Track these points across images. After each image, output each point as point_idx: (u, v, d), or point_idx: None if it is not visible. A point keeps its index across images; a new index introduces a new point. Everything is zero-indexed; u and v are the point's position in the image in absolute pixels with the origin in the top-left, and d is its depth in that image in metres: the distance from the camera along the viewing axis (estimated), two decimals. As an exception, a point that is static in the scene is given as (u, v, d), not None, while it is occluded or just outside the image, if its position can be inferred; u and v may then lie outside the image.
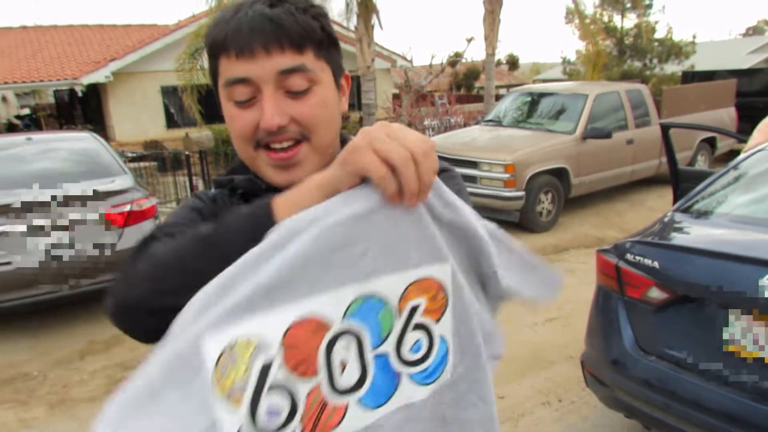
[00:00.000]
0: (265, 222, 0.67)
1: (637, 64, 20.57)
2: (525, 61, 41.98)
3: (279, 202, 0.70)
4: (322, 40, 0.80)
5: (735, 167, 2.62)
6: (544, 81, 23.53)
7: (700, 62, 20.28)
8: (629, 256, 2.23)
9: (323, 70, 0.80)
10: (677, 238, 2.37)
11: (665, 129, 4.07)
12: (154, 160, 11.09)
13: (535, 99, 8.12)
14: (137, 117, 14.55)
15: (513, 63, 32.59)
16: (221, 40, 0.77)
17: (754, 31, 48.25)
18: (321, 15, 0.81)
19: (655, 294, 2.14)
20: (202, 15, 15.29)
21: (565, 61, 22.38)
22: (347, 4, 11.14)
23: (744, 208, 2.37)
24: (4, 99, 19.83)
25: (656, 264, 2.13)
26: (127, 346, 4.07)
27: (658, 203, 7.41)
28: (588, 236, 6.32)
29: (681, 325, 2.10)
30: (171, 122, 15.27)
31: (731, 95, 9.29)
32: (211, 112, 14.56)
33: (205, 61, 10.74)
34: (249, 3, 0.78)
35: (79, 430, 3.07)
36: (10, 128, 16.27)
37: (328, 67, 0.82)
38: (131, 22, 19.25)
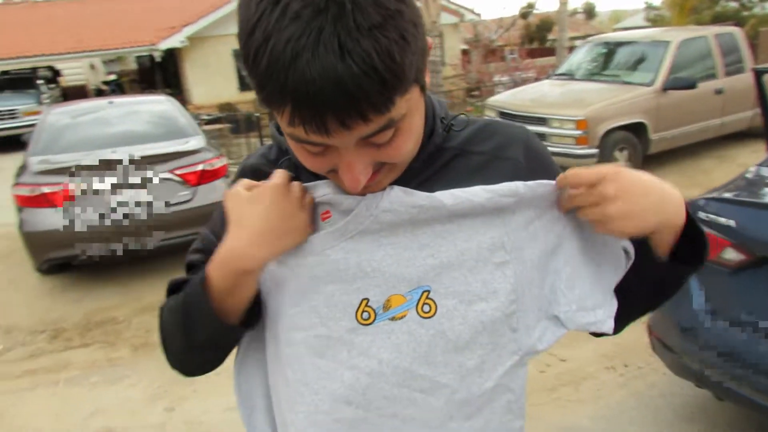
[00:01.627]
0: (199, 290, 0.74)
1: (733, 4, 18.84)
2: (604, 9, 39.46)
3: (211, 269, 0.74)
4: (410, 69, 0.60)
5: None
6: (625, 30, 22.10)
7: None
8: (703, 215, 2.09)
9: (411, 98, 0.63)
10: (759, 195, 2.20)
11: (759, 75, 3.74)
12: (228, 122, 11.44)
13: (611, 49, 7.65)
14: (211, 80, 15.00)
15: (589, 12, 30.83)
16: (278, 100, 0.58)
17: None
18: (407, 27, 0.58)
19: (731, 255, 2.00)
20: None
21: (649, 7, 20.91)
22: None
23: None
24: (93, 66, 20.94)
25: (733, 223, 1.97)
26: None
27: (751, 159, 6.87)
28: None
29: (759, 289, 1.95)
30: (243, 85, 15.63)
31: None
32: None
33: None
34: (308, 38, 0.54)
35: (159, 370, 3.31)
36: (99, 93, 17.29)
37: (416, 84, 0.64)
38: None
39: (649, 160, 6.66)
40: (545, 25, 27.21)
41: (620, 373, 3.01)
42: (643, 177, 0.71)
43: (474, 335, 0.74)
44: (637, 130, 6.37)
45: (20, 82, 14.08)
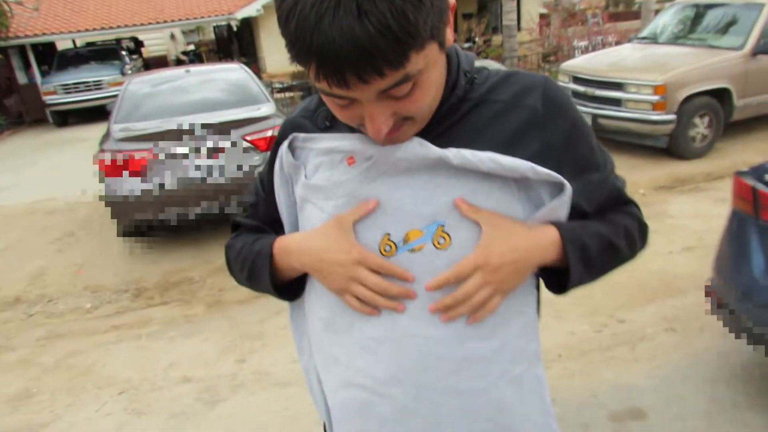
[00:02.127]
0: (266, 258, 0.92)
1: None
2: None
3: (279, 248, 0.92)
4: (424, 27, 0.66)
5: None
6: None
7: None
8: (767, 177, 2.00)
9: (427, 55, 0.69)
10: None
11: None
12: (300, 90, 11.66)
13: (700, 11, 7.13)
14: (285, 49, 15.21)
15: (683, -29, 28.68)
16: (305, 58, 0.67)
17: None
18: None
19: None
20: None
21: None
22: None
23: None
24: (173, 37, 21.81)
25: (799, 185, 1.89)
26: (272, 259, 4.54)
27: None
28: (749, 164, 5.63)
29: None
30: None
31: None
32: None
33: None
34: (332, 2, 0.62)
35: (230, 326, 3.54)
36: (179, 63, 18.03)
37: (433, 41, 0.69)
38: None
39: (732, 127, 6.27)
40: (631, -15, 25.59)
41: (678, 335, 2.97)
42: (506, 243, 0.81)
43: None
44: (721, 96, 5.98)
45: (105, 53, 14.60)
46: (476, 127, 0.82)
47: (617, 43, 10.38)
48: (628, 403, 2.49)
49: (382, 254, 0.82)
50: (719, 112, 6.00)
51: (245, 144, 4.73)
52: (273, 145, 0.95)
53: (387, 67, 0.64)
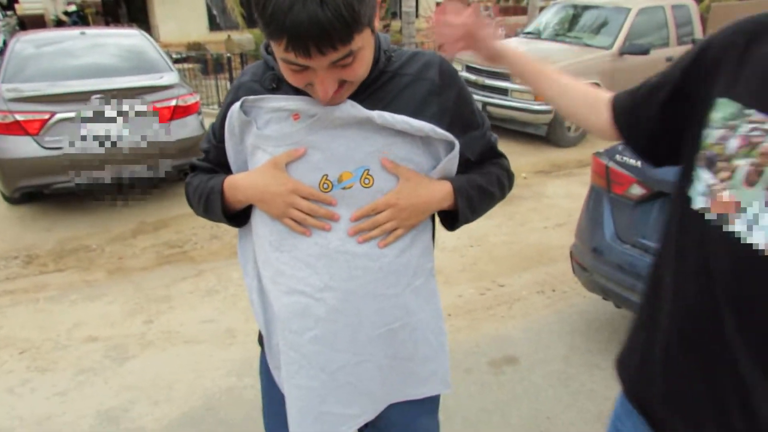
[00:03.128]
0: (218, 195, 1.15)
1: None
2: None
3: (229, 185, 1.15)
4: (365, 16, 0.90)
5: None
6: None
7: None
8: (618, 157, 2.47)
9: (364, 36, 0.93)
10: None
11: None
12: (197, 62, 11.33)
13: (578, 12, 7.90)
14: (181, 18, 14.65)
15: (568, -27, 30.73)
16: (278, 31, 0.86)
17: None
18: None
19: (636, 190, 2.40)
20: None
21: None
22: None
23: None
24: (52, -6, 20.02)
25: (639, 163, 2.36)
26: (173, 228, 4.55)
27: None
28: (612, 152, 6.45)
29: (653, 217, 2.36)
30: (213, 24, 15.33)
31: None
32: (253, 16, 14.57)
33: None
34: None
35: (135, 290, 3.57)
36: (58, 24, 16.61)
37: (368, 27, 0.94)
38: None
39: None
40: (522, -17, 27.04)
41: (548, 296, 3.48)
42: (412, 191, 1.09)
43: None
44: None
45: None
46: (393, 94, 1.09)
47: (506, 36, 11.09)
48: (504, 352, 2.92)
49: (322, 190, 1.06)
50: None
51: (149, 112, 4.67)
52: (224, 104, 1.16)
53: (339, 43, 0.88)
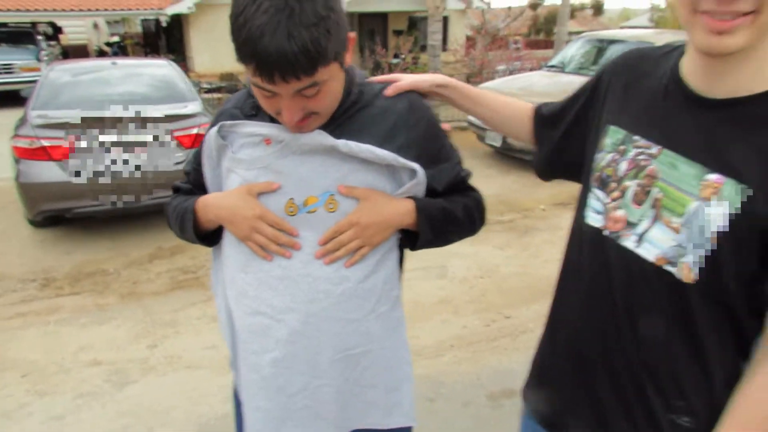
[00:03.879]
0: (191, 213, 1.19)
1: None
2: (615, 6, 39.45)
3: (201, 204, 1.18)
4: (331, 52, 0.95)
5: None
6: (631, 28, 22.21)
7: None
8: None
9: (331, 71, 0.98)
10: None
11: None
12: (228, 91, 11.65)
13: (603, 46, 7.88)
14: (216, 49, 15.13)
15: (598, 8, 30.87)
16: (249, 57, 0.92)
17: None
18: (331, 22, 0.93)
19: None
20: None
21: (654, 8, 21.03)
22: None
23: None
24: (96, 26, 20.99)
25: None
26: (188, 254, 4.61)
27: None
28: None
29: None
30: (246, 56, 15.80)
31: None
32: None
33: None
34: (272, 25, 0.89)
35: (144, 314, 3.63)
36: (100, 54, 17.38)
37: (335, 62, 0.99)
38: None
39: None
40: (552, 17, 27.24)
41: (554, 330, 3.37)
42: (375, 211, 1.10)
43: None
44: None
45: (19, 36, 13.87)
46: (361, 124, 1.11)
47: (531, 69, 11.14)
48: (504, 385, 2.85)
49: (287, 214, 1.08)
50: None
51: (171, 139, 4.81)
52: (207, 129, 1.21)
53: (302, 74, 0.93)
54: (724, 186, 0.83)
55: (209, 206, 1.17)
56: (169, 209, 1.30)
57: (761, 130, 0.82)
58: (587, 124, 1.08)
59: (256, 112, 1.13)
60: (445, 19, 12.62)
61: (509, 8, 16.85)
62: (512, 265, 4.33)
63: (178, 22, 16.24)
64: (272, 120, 1.09)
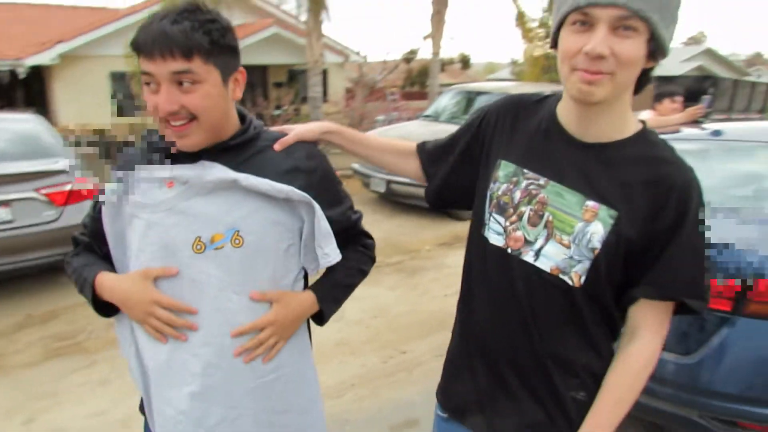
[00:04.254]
0: (89, 289, 1.21)
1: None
2: (481, 60, 42.93)
3: (98, 283, 1.21)
4: (210, 50, 1.07)
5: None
6: (495, 80, 24.20)
7: (638, 68, 21.28)
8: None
9: (209, 72, 1.09)
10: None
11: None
12: (98, 146, 11.08)
13: (471, 97, 8.60)
14: (83, 102, 14.37)
15: (465, 62, 33.43)
16: (137, 43, 1.07)
17: (693, 41, 50.77)
18: (216, 30, 1.08)
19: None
20: (155, 0, 15.26)
21: (514, 63, 23.13)
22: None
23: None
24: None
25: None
26: (65, 319, 4.29)
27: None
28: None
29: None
30: (118, 109, 15.15)
31: (648, 98, 10.02)
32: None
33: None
34: (161, 16, 1.06)
35: (13, 388, 3.30)
36: (-53, 108, 15.78)
37: (216, 69, 1.10)
38: (78, 4, 18.86)
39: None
40: (425, 70, 28.91)
41: (446, 361, 3.56)
42: (287, 309, 1.22)
43: (267, 257, 1.17)
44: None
45: None
46: (263, 166, 1.20)
47: (409, 119, 11.79)
48: (405, 416, 2.96)
49: (195, 251, 1.13)
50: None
51: (38, 197, 4.51)
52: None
53: (178, 52, 1.04)
54: (600, 211, 1.06)
55: (105, 288, 1.21)
56: (69, 269, 1.32)
57: (619, 168, 1.06)
58: (473, 158, 1.26)
59: (156, 160, 1.19)
60: (325, 72, 13.04)
61: (385, 61, 17.77)
62: (403, 304, 4.51)
63: (38, 73, 15.25)
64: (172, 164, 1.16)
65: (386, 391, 3.20)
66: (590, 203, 1.07)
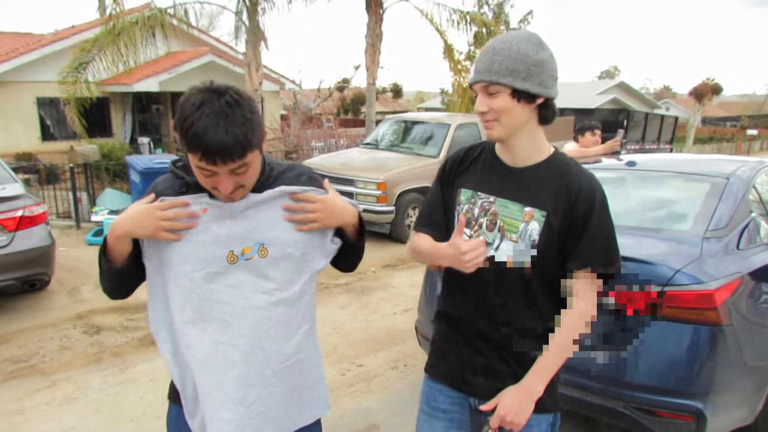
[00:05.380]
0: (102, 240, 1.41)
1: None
2: (411, 89, 44.19)
3: (108, 235, 1.41)
4: (255, 141, 1.31)
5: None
6: (426, 109, 25.16)
7: (557, 100, 22.82)
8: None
9: (255, 156, 1.34)
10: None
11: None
12: (27, 172, 10.76)
13: (408, 126, 9.10)
14: (9, 128, 13.85)
15: (397, 91, 34.46)
16: (196, 147, 1.25)
17: (607, 74, 54.56)
18: (256, 123, 1.31)
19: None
20: (82, 28, 15.01)
21: (443, 92, 24.17)
22: (236, 29, 11.60)
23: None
24: None
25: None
26: (16, 343, 4.30)
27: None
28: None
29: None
30: (46, 135, 14.68)
31: (570, 130, 10.93)
32: (95, 126, 14.24)
33: (90, 74, 10.69)
34: (213, 125, 1.23)
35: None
36: None
37: (258, 149, 1.35)
38: (1, 29, 18.16)
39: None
40: (358, 98, 29.71)
41: (401, 370, 3.92)
42: (336, 201, 1.52)
43: (287, 263, 1.47)
44: (426, 192, 7.66)
45: None
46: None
47: (348, 146, 12.17)
48: (366, 422, 3.25)
49: (229, 262, 1.41)
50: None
51: (-12, 224, 4.51)
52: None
53: (236, 158, 1.30)
54: (534, 213, 1.48)
55: (116, 224, 1.39)
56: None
57: (541, 181, 1.50)
58: (446, 192, 1.67)
59: (186, 190, 1.44)
60: (261, 99, 13.22)
61: (318, 89, 18.14)
62: (356, 321, 4.80)
63: (-43, 98, 14.59)
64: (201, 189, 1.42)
65: (346, 401, 3.47)
66: (527, 209, 1.49)
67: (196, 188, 1.41)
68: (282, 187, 1.46)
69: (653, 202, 3.32)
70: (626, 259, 2.64)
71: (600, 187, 1.49)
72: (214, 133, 1.25)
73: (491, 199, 1.54)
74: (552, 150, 1.56)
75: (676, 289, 2.46)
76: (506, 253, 1.50)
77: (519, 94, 1.43)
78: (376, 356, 4.12)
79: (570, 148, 5.23)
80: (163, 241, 1.42)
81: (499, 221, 1.52)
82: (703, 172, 3.37)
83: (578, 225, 1.46)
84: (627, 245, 2.78)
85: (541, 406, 1.52)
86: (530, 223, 1.48)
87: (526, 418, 1.49)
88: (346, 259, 1.66)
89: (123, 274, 1.46)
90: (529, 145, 1.52)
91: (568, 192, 1.46)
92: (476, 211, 1.56)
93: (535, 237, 1.47)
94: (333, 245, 1.58)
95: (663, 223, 3.03)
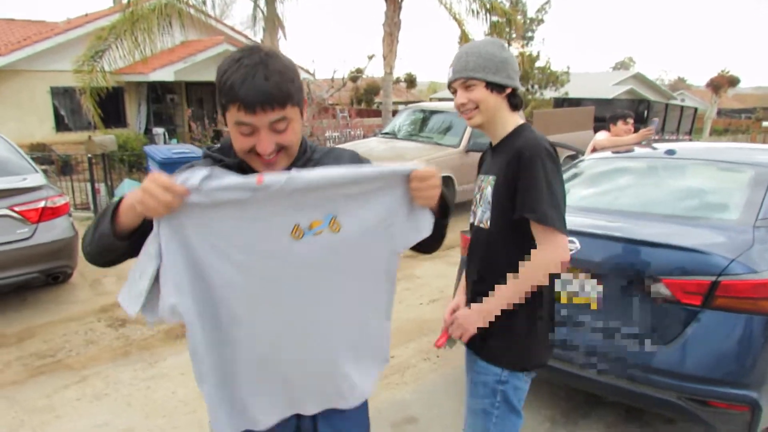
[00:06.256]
0: (111, 208, 1.24)
1: (521, 89, 22.71)
2: (424, 79, 43.89)
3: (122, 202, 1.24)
4: (295, 96, 1.24)
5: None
6: (440, 99, 24.93)
7: (574, 90, 22.62)
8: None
9: (295, 113, 1.26)
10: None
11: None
12: (42, 163, 10.75)
13: (427, 116, 8.97)
14: (23, 118, 13.84)
15: (411, 81, 34.17)
16: (234, 97, 1.18)
17: (622, 65, 53.93)
18: (295, 76, 1.25)
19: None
20: (96, 16, 14.93)
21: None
22: (254, 17, 11.48)
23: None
24: None
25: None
26: (40, 338, 4.25)
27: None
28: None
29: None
30: (61, 125, 14.66)
31: (590, 119, 10.78)
32: (110, 116, 14.19)
33: (106, 63, 10.63)
34: (251, 72, 1.18)
35: (10, 404, 3.29)
36: None
37: (298, 107, 1.27)
38: (13, 17, 18.09)
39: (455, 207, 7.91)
40: (372, 89, 29.53)
41: (433, 362, 3.84)
42: (438, 176, 1.39)
43: (366, 237, 1.31)
44: (446, 183, 7.57)
45: None
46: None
47: (364, 136, 12.06)
48: (403, 414, 3.17)
49: (294, 238, 1.24)
50: (445, 196, 7.54)
51: (11, 215, 4.46)
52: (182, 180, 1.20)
53: (277, 105, 1.20)
54: (491, 179, 1.76)
55: (127, 197, 1.22)
56: (91, 223, 1.33)
57: (501, 153, 1.76)
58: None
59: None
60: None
61: (332, 79, 18.01)
62: (382, 313, 4.71)
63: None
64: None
65: (382, 393, 3.40)
66: (489, 177, 1.78)
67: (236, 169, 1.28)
68: (345, 168, 1.26)
69: (696, 191, 3.23)
70: (677, 248, 2.62)
71: (538, 145, 1.66)
72: (252, 81, 1.19)
73: (481, 176, 1.86)
74: (517, 125, 1.79)
75: (731, 278, 2.39)
76: (480, 218, 1.81)
77: (492, 86, 1.73)
78: (407, 347, 4.05)
79: (602, 137, 5.11)
80: (212, 214, 1.20)
81: (484, 193, 1.80)
82: (745, 161, 3.28)
83: (516, 182, 1.66)
84: (676, 234, 2.73)
85: (490, 356, 1.80)
86: (487, 188, 1.77)
87: (473, 326, 1.76)
88: (433, 238, 1.45)
89: (117, 246, 1.26)
90: (501, 128, 1.80)
91: (512, 156, 1.68)
92: (476, 190, 1.88)
93: (489, 198, 1.75)
94: (428, 218, 1.39)
95: (709, 212, 2.96)
